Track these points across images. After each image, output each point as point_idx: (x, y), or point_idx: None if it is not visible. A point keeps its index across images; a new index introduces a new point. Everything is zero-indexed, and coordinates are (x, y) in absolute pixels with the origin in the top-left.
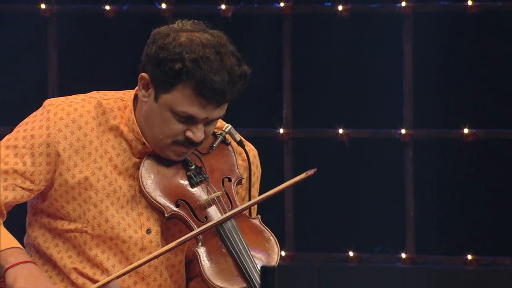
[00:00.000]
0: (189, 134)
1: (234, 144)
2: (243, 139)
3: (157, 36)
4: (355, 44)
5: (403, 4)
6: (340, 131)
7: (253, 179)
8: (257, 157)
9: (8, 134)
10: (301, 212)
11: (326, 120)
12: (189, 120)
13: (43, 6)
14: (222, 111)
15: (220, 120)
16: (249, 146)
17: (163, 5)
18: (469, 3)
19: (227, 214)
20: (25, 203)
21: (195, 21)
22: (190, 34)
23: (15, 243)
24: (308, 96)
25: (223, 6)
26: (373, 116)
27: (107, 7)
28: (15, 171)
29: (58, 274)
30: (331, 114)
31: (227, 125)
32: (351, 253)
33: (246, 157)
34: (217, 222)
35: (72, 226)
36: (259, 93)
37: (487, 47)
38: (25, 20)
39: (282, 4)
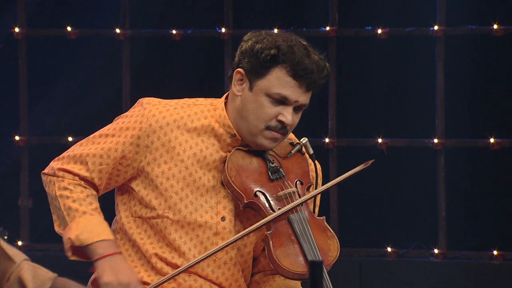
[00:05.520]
0: (281, 117)
1: (307, 155)
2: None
3: (250, 36)
4: (393, 63)
5: (436, 27)
6: (379, 140)
7: (318, 188)
8: (321, 172)
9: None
10: (345, 212)
11: (367, 131)
12: (281, 103)
13: (118, 30)
14: (308, 98)
15: (294, 136)
16: (316, 162)
17: (223, 29)
18: (495, 27)
19: (294, 202)
20: (113, 195)
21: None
22: (278, 35)
23: (105, 234)
24: (350, 109)
25: (275, 30)
26: (408, 127)
27: (174, 31)
28: (108, 156)
29: (140, 259)
30: (371, 125)
31: (304, 138)
32: (389, 249)
33: (314, 168)
34: (285, 209)
35: (154, 213)
36: (308, 107)
37: (510, 66)
38: (102, 43)
39: (328, 28)
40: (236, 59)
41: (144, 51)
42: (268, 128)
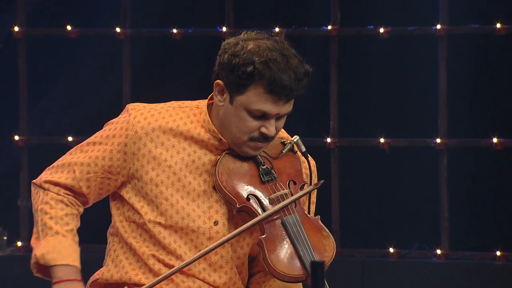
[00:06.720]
0: (263, 129)
1: (299, 153)
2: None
3: (228, 46)
4: (395, 62)
5: (438, 26)
6: (381, 140)
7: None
8: (315, 168)
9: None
10: (346, 212)
11: (369, 130)
12: (262, 117)
13: (118, 29)
14: (290, 106)
15: (286, 133)
16: (310, 158)
17: (224, 29)
18: (498, 26)
19: (286, 201)
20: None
21: (258, 31)
22: (256, 42)
23: (71, 259)
24: (352, 108)
25: (277, 29)
26: (411, 127)
27: (175, 30)
28: (96, 164)
29: (137, 262)
30: (373, 125)
31: (295, 136)
32: (391, 249)
33: (308, 166)
34: (277, 208)
35: (146, 218)
36: (309, 107)
37: None
38: (102, 42)
39: (329, 27)
40: (216, 67)
41: (144, 51)
42: (251, 139)
